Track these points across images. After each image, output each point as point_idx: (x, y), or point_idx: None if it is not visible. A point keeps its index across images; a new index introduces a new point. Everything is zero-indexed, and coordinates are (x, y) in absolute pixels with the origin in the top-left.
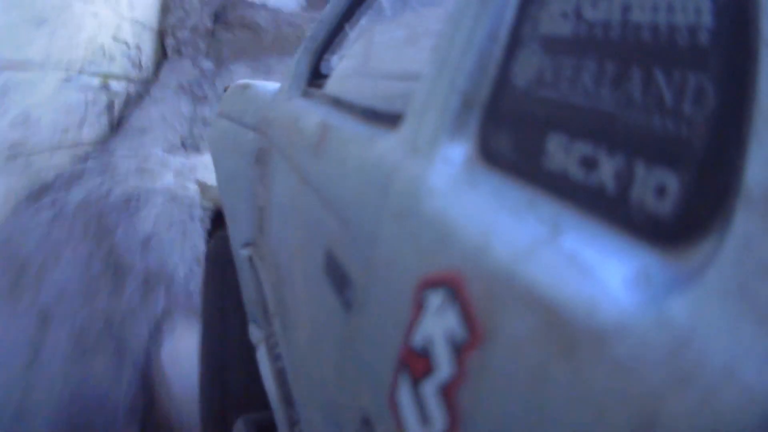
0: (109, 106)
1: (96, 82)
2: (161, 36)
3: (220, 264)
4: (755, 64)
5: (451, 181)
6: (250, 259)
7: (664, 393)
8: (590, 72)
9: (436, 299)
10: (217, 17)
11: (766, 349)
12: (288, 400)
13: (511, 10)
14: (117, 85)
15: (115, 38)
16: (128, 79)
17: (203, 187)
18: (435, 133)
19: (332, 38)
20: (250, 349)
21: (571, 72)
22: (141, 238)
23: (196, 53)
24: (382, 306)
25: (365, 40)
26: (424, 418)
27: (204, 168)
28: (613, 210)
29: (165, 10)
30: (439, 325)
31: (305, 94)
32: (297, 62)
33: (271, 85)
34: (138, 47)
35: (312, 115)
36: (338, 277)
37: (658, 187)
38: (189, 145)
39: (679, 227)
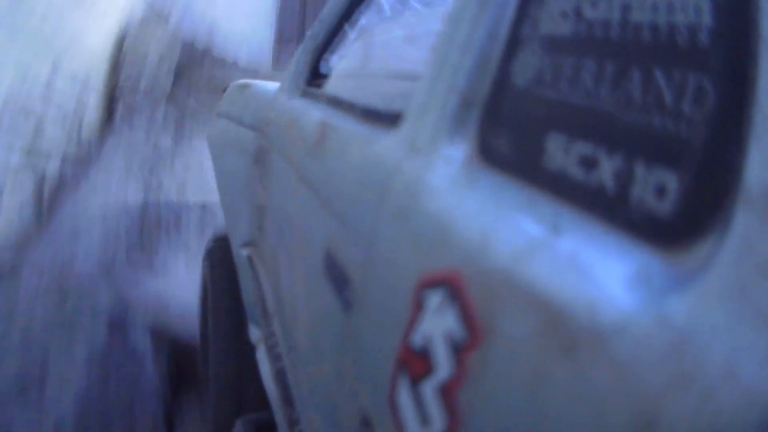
0: (36, 194)
1: (16, 160)
2: (108, 99)
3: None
4: (755, 64)
5: (451, 181)
6: (250, 259)
7: (664, 393)
8: (590, 72)
9: (435, 299)
10: (179, 77)
11: (766, 349)
12: (288, 400)
13: (510, 10)
14: (46, 165)
15: (45, 99)
16: (61, 158)
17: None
18: (435, 133)
19: (332, 38)
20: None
21: (571, 72)
22: None
23: (150, 124)
24: (381, 306)
25: (365, 40)
26: (424, 418)
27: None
28: (613, 210)
29: (114, 64)
30: (438, 325)
31: (305, 94)
32: (296, 62)
33: (271, 85)
34: (76, 113)
35: (312, 115)
36: (338, 277)
37: (658, 187)
38: (135, 261)
39: (679, 227)
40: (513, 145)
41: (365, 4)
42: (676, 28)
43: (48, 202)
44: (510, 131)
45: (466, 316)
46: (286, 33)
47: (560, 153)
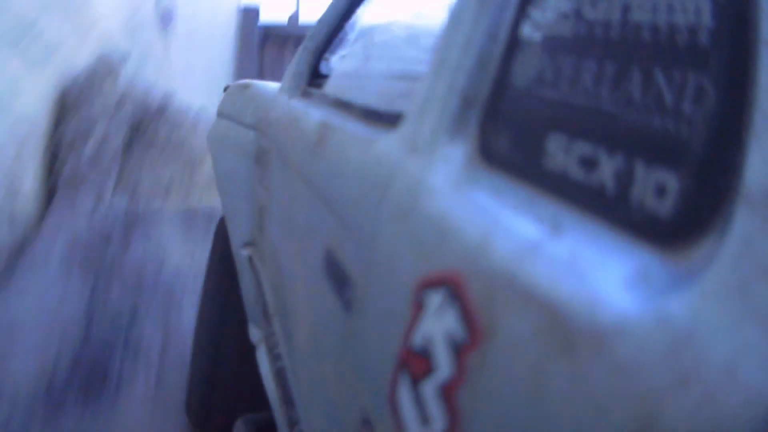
0: None
1: None
2: (48, 166)
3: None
4: (755, 64)
5: (451, 181)
6: (250, 259)
7: (664, 393)
8: (590, 72)
9: (435, 299)
10: (135, 134)
11: (766, 349)
12: (288, 400)
13: (510, 10)
14: None
15: None
16: None
17: None
18: (435, 133)
19: (332, 38)
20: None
21: (571, 72)
22: None
23: (101, 192)
24: (382, 306)
25: (365, 40)
26: (424, 418)
27: None
28: (613, 210)
29: (56, 123)
30: (438, 325)
31: (305, 94)
32: (297, 62)
33: (271, 85)
34: (9, 187)
35: (312, 115)
36: (338, 277)
37: (658, 187)
38: (79, 388)
39: (679, 227)
40: (513, 145)
41: (365, 4)
42: (676, 28)
43: None
44: (510, 131)
45: (467, 316)
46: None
47: (560, 153)
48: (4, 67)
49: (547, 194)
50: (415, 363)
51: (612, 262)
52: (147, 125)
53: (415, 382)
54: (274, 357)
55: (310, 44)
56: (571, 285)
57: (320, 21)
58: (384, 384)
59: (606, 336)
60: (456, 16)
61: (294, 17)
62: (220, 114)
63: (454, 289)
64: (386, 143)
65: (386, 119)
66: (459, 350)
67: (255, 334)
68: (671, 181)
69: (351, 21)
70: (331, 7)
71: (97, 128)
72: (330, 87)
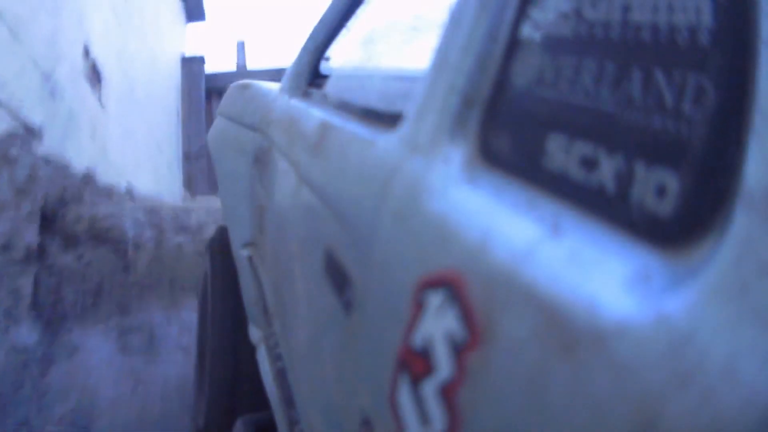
0: None
1: None
2: None
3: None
4: (755, 64)
5: (451, 181)
6: (250, 259)
7: (664, 393)
8: (590, 72)
9: (435, 299)
10: (50, 221)
11: (766, 349)
12: (288, 400)
13: (511, 10)
14: None
15: None
16: None
17: None
18: (435, 133)
19: (332, 38)
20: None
21: (571, 72)
22: None
23: (10, 310)
24: (382, 306)
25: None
26: (424, 418)
27: None
28: (613, 210)
29: None
30: (438, 325)
31: (305, 94)
32: (297, 62)
33: (271, 85)
34: None
35: (312, 115)
36: (338, 277)
37: (658, 187)
38: None
39: (679, 227)
40: (513, 145)
41: (365, 4)
42: (676, 28)
43: None
44: (510, 131)
45: (467, 316)
46: (194, 150)
47: (560, 153)
48: None
49: (547, 194)
50: (415, 363)
51: (612, 262)
52: (68, 204)
53: (415, 382)
54: (274, 357)
55: (310, 44)
56: (571, 285)
57: (320, 21)
58: (384, 384)
59: (606, 336)
60: (456, 16)
61: (241, 64)
62: (221, 114)
63: (454, 289)
64: (386, 143)
65: (386, 119)
66: (459, 350)
67: (255, 334)
68: (671, 181)
69: (351, 21)
70: (331, 7)
71: (3, 209)
72: (330, 87)
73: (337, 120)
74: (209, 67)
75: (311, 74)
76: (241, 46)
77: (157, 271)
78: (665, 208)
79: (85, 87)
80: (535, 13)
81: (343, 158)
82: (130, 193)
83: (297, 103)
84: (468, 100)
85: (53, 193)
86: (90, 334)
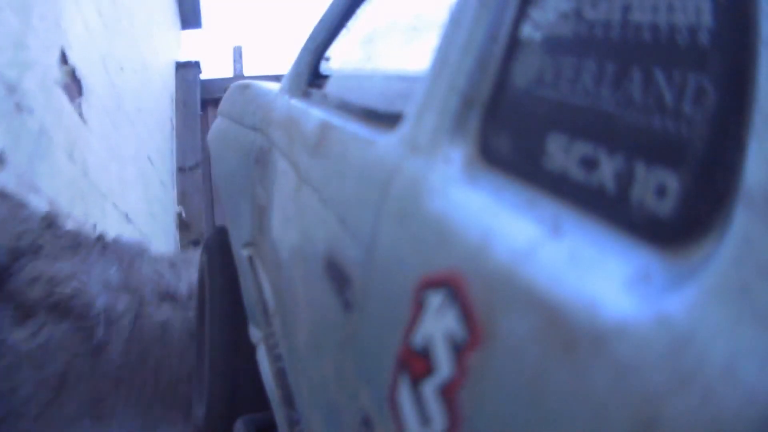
0: None
1: None
2: None
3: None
4: (755, 64)
5: (451, 182)
6: (250, 259)
7: (664, 393)
8: (590, 72)
9: (436, 299)
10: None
11: (766, 349)
12: (288, 400)
13: (511, 10)
14: None
15: None
16: None
17: None
18: (435, 133)
19: (332, 38)
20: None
21: (571, 72)
22: None
23: None
24: (382, 306)
25: (365, 40)
26: (424, 418)
27: None
28: (613, 210)
29: None
30: (439, 325)
31: (305, 95)
32: (297, 62)
33: (271, 85)
34: None
35: (312, 115)
36: (338, 277)
37: (658, 187)
38: None
39: (679, 227)
40: (513, 145)
41: (365, 4)
42: (676, 28)
43: None
44: (510, 131)
45: (467, 316)
46: (189, 164)
47: (561, 153)
48: None
49: (547, 194)
50: (415, 363)
51: (612, 262)
52: (21, 269)
53: (415, 382)
54: (274, 357)
55: (311, 44)
56: (571, 285)
57: (320, 21)
58: (384, 384)
59: (606, 336)
60: (456, 16)
61: (239, 70)
62: (221, 114)
63: (454, 289)
64: (386, 143)
65: (386, 119)
66: (459, 350)
67: (255, 334)
68: (671, 181)
69: (351, 21)
70: (332, 6)
71: None
72: (330, 87)
73: (337, 120)
74: (205, 74)
75: (311, 74)
76: (238, 52)
77: (135, 359)
78: (665, 208)
79: (61, 99)
80: (535, 13)
81: (343, 158)
82: (102, 242)
83: (297, 103)
84: (468, 100)
85: (4, 243)
86: None
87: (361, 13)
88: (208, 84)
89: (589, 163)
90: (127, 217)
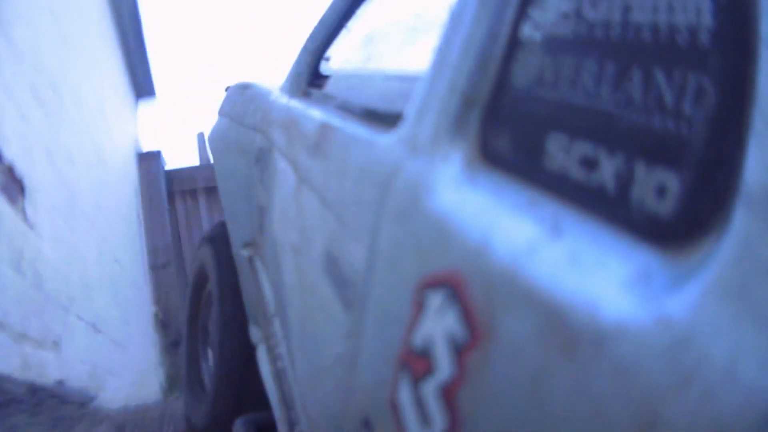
0: None
1: None
2: None
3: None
4: (755, 64)
5: (451, 181)
6: (250, 259)
7: (664, 393)
8: (590, 72)
9: (436, 299)
10: None
11: (766, 349)
12: (288, 400)
13: (511, 10)
14: None
15: None
16: None
17: None
18: (435, 133)
19: (332, 38)
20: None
21: (571, 72)
22: None
23: None
24: (382, 306)
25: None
26: (424, 418)
27: None
28: (613, 210)
29: None
30: (439, 325)
31: (306, 95)
32: (297, 62)
33: (272, 86)
34: None
35: (312, 115)
36: (338, 277)
37: (658, 187)
38: None
39: (679, 227)
40: (513, 145)
41: (365, 4)
42: (676, 28)
43: None
44: (511, 131)
45: (467, 316)
46: (161, 261)
47: (561, 153)
48: None
49: (548, 194)
50: (416, 363)
51: (612, 263)
52: None
53: (416, 382)
54: (274, 357)
55: (311, 44)
56: (571, 285)
57: (320, 21)
58: (384, 384)
59: (606, 336)
60: (456, 16)
61: (204, 157)
62: (221, 114)
63: (454, 289)
64: (386, 143)
65: (386, 119)
66: (459, 350)
67: (255, 334)
68: (671, 182)
69: (351, 21)
70: (331, 7)
71: None
72: (330, 87)
73: (337, 120)
74: (169, 163)
75: (311, 74)
76: (201, 138)
77: None
78: (665, 208)
79: (5, 200)
80: (535, 13)
81: (344, 158)
82: (36, 396)
83: (297, 104)
84: (468, 100)
85: None
86: None
87: (361, 13)
88: (173, 175)
89: (589, 163)
90: (95, 328)
